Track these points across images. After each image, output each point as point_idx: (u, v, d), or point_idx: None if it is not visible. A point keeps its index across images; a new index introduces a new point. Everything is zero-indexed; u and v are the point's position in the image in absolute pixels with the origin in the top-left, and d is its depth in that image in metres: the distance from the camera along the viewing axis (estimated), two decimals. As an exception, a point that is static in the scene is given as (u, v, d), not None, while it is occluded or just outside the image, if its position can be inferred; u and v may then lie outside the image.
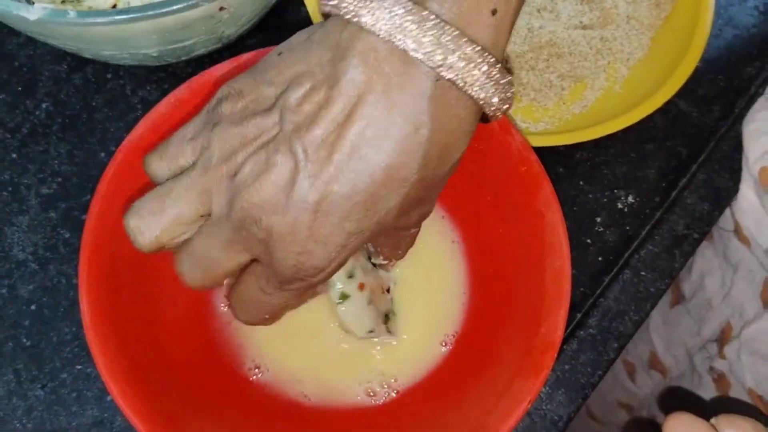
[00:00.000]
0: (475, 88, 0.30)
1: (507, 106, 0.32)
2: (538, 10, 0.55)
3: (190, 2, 0.39)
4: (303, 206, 0.30)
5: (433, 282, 0.46)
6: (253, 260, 0.34)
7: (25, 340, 0.46)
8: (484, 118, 0.33)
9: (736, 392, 0.55)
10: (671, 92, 0.50)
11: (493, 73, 0.30)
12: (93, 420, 0.45)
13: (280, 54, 0.32)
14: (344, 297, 0.42)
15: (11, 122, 0.51)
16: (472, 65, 0.29)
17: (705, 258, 0.54)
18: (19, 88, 0.51)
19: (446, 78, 0.29)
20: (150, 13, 0.39)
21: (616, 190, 0.51)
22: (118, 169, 0.41)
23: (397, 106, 0.29)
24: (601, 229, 0.50)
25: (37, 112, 0.51)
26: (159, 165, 0.34)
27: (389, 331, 0.45)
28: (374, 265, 0.44)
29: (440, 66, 0.29)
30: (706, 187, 0.51)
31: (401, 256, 0.41)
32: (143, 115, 0.50)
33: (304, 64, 0.31)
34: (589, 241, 0.50)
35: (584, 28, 0.54)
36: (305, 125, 0.30)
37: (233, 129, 0.32)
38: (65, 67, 0.52)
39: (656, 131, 0.53)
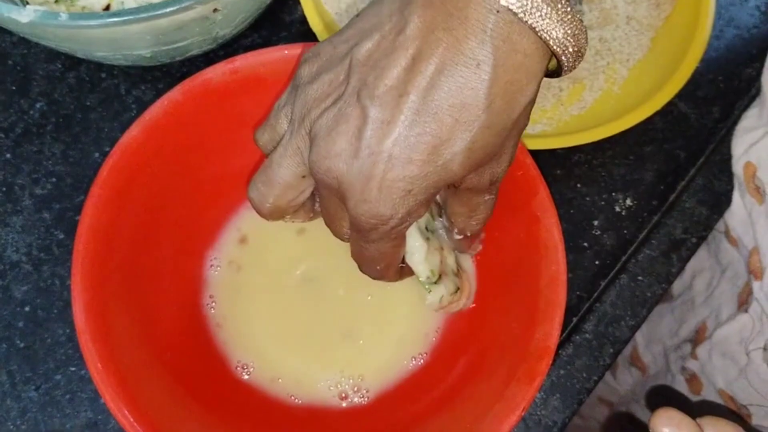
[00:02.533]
0: (535, 16, 0.29)
1: (576, 47, 0.30)
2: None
3: (183, 4, 0.39)
4: (368, 152, 0.31)
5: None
6: None
7: (18, 342, 0.46)
8: (556, 72, 0.32)
9: (708, 392, 0.55)
10: (671, 94, 0.50)
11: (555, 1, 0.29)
12: (87, 422, 0.45)
13: (357, 15, 0.33)
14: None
15: (5, 122, 0.50)
16: None
17: (699, 257, 0.54)
18: (13, 88, 0.51)
19: (505, 6, 0.28)
20: (143, 15, 0.39)
21: (614, 193, 0.51)
22: (111, 173, 0.41)
23: (460, 42, 0.29)
24: (599, 232, 0.50)
25: (31, 112, 0.51)
26: (263, 137, 0.37)
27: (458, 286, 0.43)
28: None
29: None
30: (705, 191, 0.50)
31: (476, 229, 0.39)
32: (138, 114, 0.50)
33: (376, 18, 0.32)
34: (586, 244, 0.50)
35: (583, 28, 0.54)
36: (373, 74, 0.31)
37: (309, 88, 0.33)
38: (59, 66, 0.52)
39: (655, 133, 0.53)
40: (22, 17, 0.38)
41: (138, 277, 0.43)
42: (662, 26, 0.54)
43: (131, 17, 0.39)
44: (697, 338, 0.55)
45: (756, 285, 0.47)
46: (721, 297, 0.53)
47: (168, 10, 0.39)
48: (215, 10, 0.41)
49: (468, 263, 0.45)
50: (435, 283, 0.40)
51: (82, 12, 0.41)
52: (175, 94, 0.43)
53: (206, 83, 0.44)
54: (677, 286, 0.59)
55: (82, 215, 0.40)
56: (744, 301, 0.49)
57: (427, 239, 0.40)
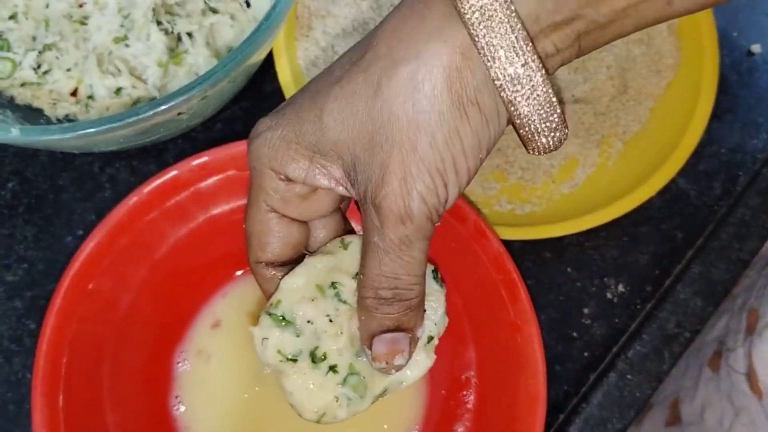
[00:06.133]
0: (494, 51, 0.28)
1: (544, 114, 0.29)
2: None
3: (141, 115, 0.37)
4: None
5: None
6: None
7: (-11, 437, 0.45)
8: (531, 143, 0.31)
9: None
10: (670, 175, 0.47)
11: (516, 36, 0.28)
12: None
13: None
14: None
15: (-24, 203, 0.49)
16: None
17: (708, 389, 0.49)
18: (-15, 166, 0.50)
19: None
20: (101, 128, 0.37)
21: (605, 278, 0.49)
22: (74, 280, 0.40)
23: None
24: (589, 321, 0.48)
25: (2, 192, 0.49)
26: None
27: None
28: None
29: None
30: (701, 280, 0.48)
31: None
32: (112, 195, 0.49)
33: None
34: (575, 334, 0.48)
35: (576, 102, 0.51)
36: None
37: None
38: (33, 142, 0.50)
39: (652, 211, 0.50)
40: (-26, 133, 0.36)
41: (106, 383, 0.42)
42: (662, 95, 0.52)
43: (90, 130, 0.37)
44: None
45: None
46: None
47: (128, 120, 0.37)
48: (179, 113, 0.39)
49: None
50: None
51: (37, 126, 0.39)
52: (141, 194, 0.41)
53: (173, 180, 0.42)
54: (687, 411, 0.53)
55: (42, 326, 0.39)
56: None
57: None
